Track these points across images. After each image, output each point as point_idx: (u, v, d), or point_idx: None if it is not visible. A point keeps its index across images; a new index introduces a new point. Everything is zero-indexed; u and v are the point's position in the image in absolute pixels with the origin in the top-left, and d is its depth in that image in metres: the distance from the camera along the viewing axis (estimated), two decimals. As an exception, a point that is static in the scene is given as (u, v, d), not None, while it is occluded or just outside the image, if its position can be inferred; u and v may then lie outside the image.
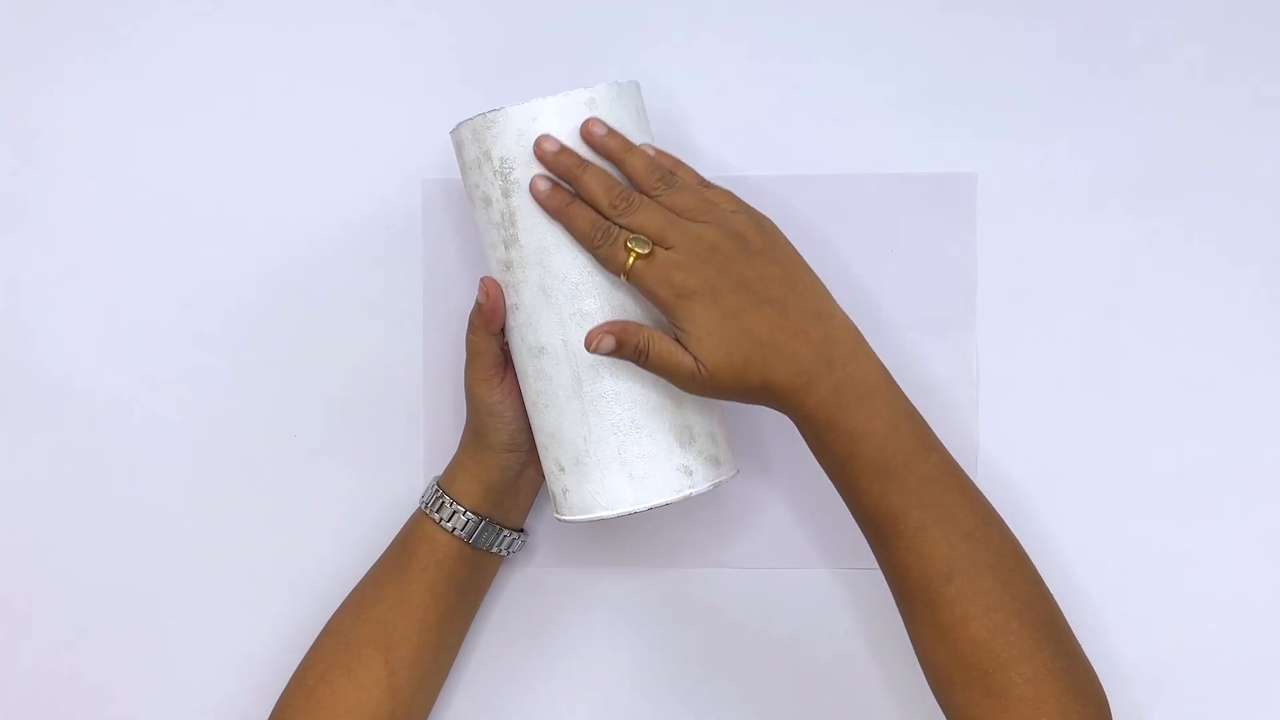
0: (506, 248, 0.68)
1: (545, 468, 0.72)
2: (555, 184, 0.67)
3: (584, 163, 0.67)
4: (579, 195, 0.67)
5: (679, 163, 0.71)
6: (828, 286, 0.69)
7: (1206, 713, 0.79)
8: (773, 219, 0.69)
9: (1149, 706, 0.79)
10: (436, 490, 0.75)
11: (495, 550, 0.76)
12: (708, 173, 0.78)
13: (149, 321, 0.81)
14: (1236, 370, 0.79)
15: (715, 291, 0.65)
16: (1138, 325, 0.80)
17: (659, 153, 0.70)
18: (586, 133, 0.68)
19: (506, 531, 0.76)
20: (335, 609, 0.76)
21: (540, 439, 0.71)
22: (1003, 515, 0.71)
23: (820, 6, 0.80)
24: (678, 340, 0.66)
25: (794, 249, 0.69)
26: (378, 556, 0.78)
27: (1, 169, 0.82)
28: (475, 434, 0.74)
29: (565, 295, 0.68)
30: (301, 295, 0.81)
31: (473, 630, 0.80)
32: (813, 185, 0.80)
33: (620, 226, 0.66)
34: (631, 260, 0.65)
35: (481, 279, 0.70)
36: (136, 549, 0.81)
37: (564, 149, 0.67)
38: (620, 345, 0.66)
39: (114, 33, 0.81)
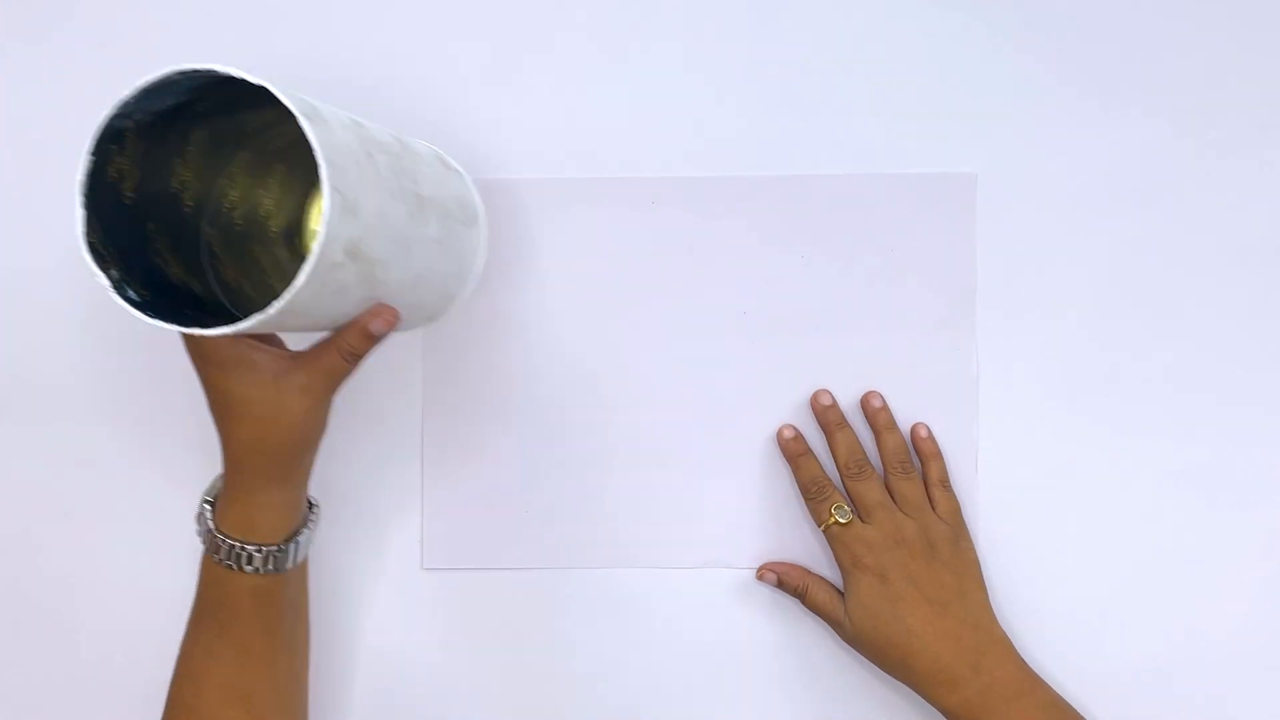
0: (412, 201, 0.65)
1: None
2: (798, 433, 0.78)
3: (844, 423, 0.78)
4: (831, 447, 0.78)
5: (938, 455, 0.78)
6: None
7: (1206, 713, 0.79)
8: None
9: (1149, 706, 0.79)
10: (224, 542, 0.67)
11: (303, 554, 0.71)
12: (707, 171, 0.78)
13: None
14: (1236, 370, 0.80)
15: (885, 575, 0.74)
16: (1138, 325, 0.80)
17: (929, 437, 0.78)
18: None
19: (304, 529, 0.70)
20: (170, 680, 0.71)
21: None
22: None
23: (820, 6, 0.80)
24: (840, 593, 0.76)
25: (978, 570, 0.76)
26: (375, 554, 0.77)
27: (2, 167, 0.82)
28: (267, 469, 0.67)
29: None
30: (301, 295, 0.81)
31: (461, 634, 0.80)
32: (813, 185, 0.80)
33: (836, 488, 0.77)
34: (830, 523, 0.76)
35: (386, 307, 0.65)
36: (134, 548, 0.81)
37: (834, 406, 0.78)
38: (781, 584, 0.77)
39: (114, 30, 0.81)
